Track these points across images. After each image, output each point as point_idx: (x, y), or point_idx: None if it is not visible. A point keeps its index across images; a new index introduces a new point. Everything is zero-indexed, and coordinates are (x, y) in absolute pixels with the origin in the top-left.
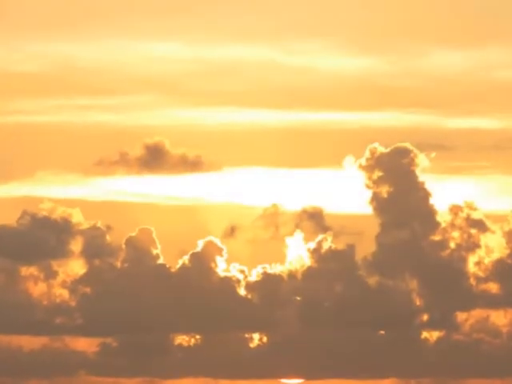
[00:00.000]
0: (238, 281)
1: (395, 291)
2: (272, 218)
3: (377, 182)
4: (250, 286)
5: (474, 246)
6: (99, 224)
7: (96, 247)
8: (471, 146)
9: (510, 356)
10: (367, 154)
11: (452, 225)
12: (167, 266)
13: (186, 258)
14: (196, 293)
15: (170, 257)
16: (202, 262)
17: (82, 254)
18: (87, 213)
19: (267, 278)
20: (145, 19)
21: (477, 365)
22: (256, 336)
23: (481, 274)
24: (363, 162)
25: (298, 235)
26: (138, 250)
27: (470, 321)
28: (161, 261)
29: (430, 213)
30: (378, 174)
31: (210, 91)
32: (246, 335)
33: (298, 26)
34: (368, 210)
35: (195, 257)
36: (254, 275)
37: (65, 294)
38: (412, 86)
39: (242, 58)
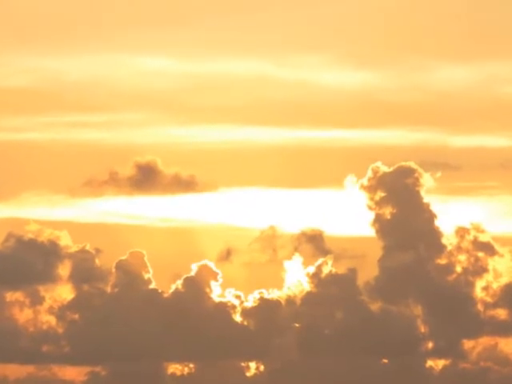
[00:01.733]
0: (234, 307)
1: (399, 317)
2: (269, 241)
3: (379, 203)
4: (246, 312)
5: (481, 270)
6: (88, 247)
7: (85, 271)
8: (478, 166)
9: None
10: (369, 173)
11: (458, 248)
12: (159, 290)
13: (179, 283)
14: (190, 319)
15: (163, 281)
16: (196, 286)
17: (70, 278)
18: (75, 235)
19: (264, 303)
20: (136, 33)
21: None
22: (253, 365)
23: (489, 299)
24: (365, 181)
25: (297, 259)
26: (129, 275)
27: (478, 349)
28: (153, 285)
29: (436, 235)
30: (380, 194)
31: (204, 107)
32: (243, 364)
33: (296, 39)
34: (370, 232)
35: (189, 281)
36: (251, 301)
37: (52, 320)
38: (416, 103)
39: (238, 72)
